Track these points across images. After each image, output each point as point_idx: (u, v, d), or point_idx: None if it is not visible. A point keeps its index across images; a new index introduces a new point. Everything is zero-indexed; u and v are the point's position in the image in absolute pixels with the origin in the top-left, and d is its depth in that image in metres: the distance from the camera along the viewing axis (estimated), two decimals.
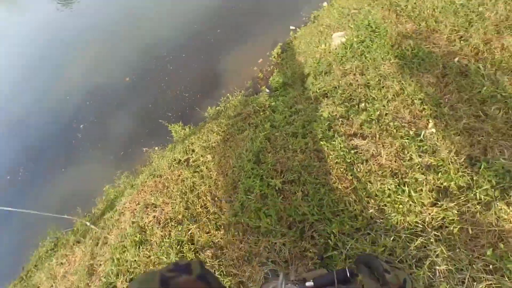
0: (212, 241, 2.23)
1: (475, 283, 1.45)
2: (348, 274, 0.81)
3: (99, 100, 6.69)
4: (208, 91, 5.43)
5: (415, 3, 3.80)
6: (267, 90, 4.50)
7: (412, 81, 2.81)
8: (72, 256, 3.42)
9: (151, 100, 5.90)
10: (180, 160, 3.26)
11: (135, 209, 3.00)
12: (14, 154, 7.02)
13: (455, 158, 2.05)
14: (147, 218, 2.75)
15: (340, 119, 2.67)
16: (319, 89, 3.38)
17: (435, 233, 1.72)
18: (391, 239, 1.74)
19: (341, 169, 2.19)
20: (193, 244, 2.31)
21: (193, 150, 3.30)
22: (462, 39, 2.99)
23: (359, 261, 0.74)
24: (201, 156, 3.08)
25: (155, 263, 2.37)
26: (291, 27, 5.77)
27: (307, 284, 0.84)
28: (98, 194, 4.80)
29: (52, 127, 6.94)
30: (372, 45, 3.56)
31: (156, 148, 4.74)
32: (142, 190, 3.21)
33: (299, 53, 4.81)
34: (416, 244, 1.68)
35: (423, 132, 2.27)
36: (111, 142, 5.75)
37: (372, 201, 1.96)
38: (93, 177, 5.42)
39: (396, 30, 3.56)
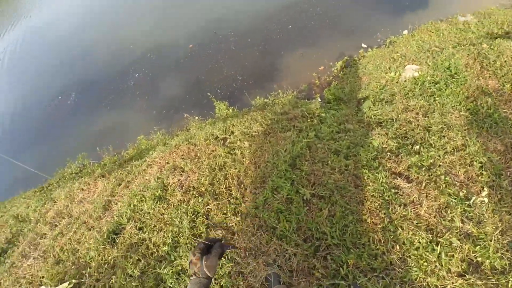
0: (226, 223, 2.27)
1: None
2: None
3: (160, 57, 7.01)
4: (261, 81, 5.45)
5: (505, 61, 3.49)
6: (320, 100, 4.42)
7: (478, 141, 2.60)
8: (94, 186, 3.66)
9: (206, 72, 6.07)
10: (217, 136, 3.33)
11: (164, 167, 3.12)
12: (70, 80, 7.64)
13: (499, 237, 1.87)
14: (172, 179, 2.86)
15: (389, 153, 2.55)
16: (374, 115, 3.26)
17: None
18: None
19: (376, 204, 2.10)
20: (207, 219, 2.36)
21: (232, 132, 3.35)
22: None
23: None
24: (239, 140, 3.11)
25: (167, 222, 2.46)
26: (363, 45, 5.58)
27: None
28: (131, 140, 5.08)
29: (110, 67, 7.44)
30: (445, 89, 3.34)
31: (196, 117, 4.89)
32: (174, 151, 3.33)
33: (363, 73, 4.65)
34: None
35: (474, 198, 2.10)
36: (158, 98, 6.03)
37: (398, 247, 1.86)
38: (132, 123, 5.75)
39: (476, 83, 3.30)
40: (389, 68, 4.25)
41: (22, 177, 5.47)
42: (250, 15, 7.29)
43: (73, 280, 2.38)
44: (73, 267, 2.55)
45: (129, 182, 3.30)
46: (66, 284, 2.35)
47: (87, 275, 2.40)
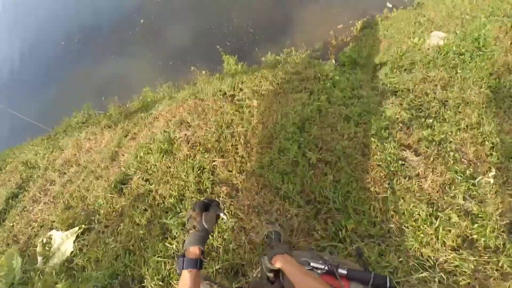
0: (231, 181, 2.31)
1: None
2: (388, 284, 0.81)
3: (167, 2, 6.49)
4: (273, 35, 5.13)
5: None
6: (334, 61, 4.20)
7: (494, 121, 2.51)
8: (101, 136, 3.68)
9: (216, 22, 5.67)
10: (226, 93, 3.23)
11: (170, 120, 3.09)
12: (74, 24, 7.17)
13: (498, 217, 1.90)
14: (179, 133, 2.85)
15: (400, 125, 2.49)
16: (391, 83, 3.12)
17: (442, 275, 1.69)
18: (399, 260, 1.74)
19: (381, 174, 2.11)
20: (212, 175, 2.40)
21: (241, 89, 3.24)
22: None
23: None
24: (248, 98, 3.02)
25: (173, 175, 2.51)
26: (388, 4, 5.12)
27: (340, 270, 0.86)
28: (137, 91, 4.97)
29: (114, 12, 6.93)
30: (470, 62, 3.13)
31: (204, 72, 4.70)
32: (181, 105, 3.27)
33: (384, 36, 4.34)
34: (419, 276, 1.67)
35: (479, 178, 2.09)
36: (164, 48, 5.74)
37: (397, 217, 1.91)
38: (137, 74, 5.56)
39: (503, 59, 3.08)
40: (413, 32, 3.94)
41: (23, 128, 5.41)
42: None
43: (83, 225, 2.51)
44: (82, 213, 2.67)
45: (136, 134, 3.30)
46: (76, 228, 2.48)
47: (96, 221, 2.52)
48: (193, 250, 0.84)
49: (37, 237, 2.63)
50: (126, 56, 5.93)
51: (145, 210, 2.39)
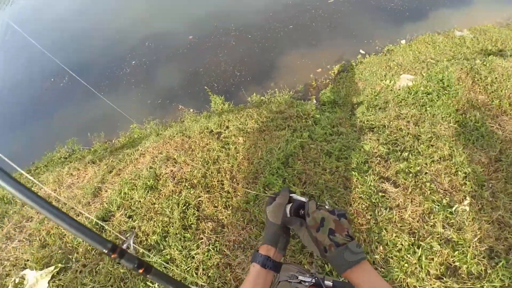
0: (216, 216, 2.30)
1: None
2: None
3: (158, 46, 6.93)
4: (258, 78, 5.47)
5: (496, 78, 3.62)
6: (315, 101, 4.48)
7: (464, 152, 2.70)
8: (84, 172, 3.62)
9: (203, 65, 6.04)
10: (212, 130, 3.34)
11: (156, 157, 3.12)
12: (65, 60, 7.41)
13: (477, 244, 1.98)
14: (165, 169, 2.86)
15: (379, 158, 2.63)
16: (367, 120, 3.34)
17: None
18: None
19: (363, 206, 2.17)
20: (198, 210, 2.38)
21: (227, 127, 3.37)
22: None
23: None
24: (234, 135, 3.13)
25: (157, 211, 2.47)
26: (361, 51, 5.67)
27: (326, 282, 0.88)
28: (124, 129, 5.02)
29: (108, 53, 7.29)
30: (437, 101, 3.44)
31: (191, 110, 4.88)
32: (168, 142, 3.33)
33: (359, 79, 4.73)
34: None
35: (456, 206, 2.20)
36: (153, 88, 5.96)
37: (381, 248, 1.94)
38: (126, 111, 5.65)
39: (467, 96, 3.42)
40: (385, 75, 4.34)
41: None
42: (252, 10, 7.29)
43: (59, 265, 2.35)
44: (59, 251, 2.52)
45: (120, 170, 3.28)
46: (52, 268, 2.33)
47: (73, 260, 2.38)
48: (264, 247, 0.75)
49: (8, 277, 2.43)
50: (115, 94, 6.08)
51: None
